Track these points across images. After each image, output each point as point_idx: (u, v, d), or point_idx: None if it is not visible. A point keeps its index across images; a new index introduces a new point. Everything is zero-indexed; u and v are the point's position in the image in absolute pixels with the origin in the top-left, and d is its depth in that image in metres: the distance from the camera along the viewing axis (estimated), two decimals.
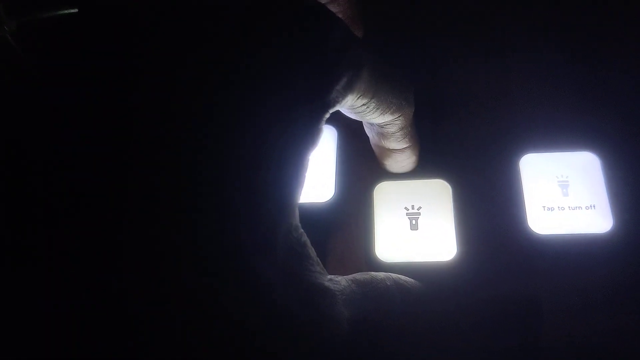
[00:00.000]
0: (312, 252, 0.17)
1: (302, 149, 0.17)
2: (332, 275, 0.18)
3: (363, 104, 0.20)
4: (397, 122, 0.22)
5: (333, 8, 0.24)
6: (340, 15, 0.23)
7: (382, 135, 0.24)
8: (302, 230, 0.17)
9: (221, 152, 0.15)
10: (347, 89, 0.18)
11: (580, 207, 0.25)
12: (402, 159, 0.25)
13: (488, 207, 0.25)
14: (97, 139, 0.15)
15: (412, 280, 0.21)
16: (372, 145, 0.26)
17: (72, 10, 0.31)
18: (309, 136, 0.17)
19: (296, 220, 0.17)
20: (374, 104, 0.20)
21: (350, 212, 0.26)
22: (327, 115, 0.18)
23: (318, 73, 0.17)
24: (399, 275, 0.21)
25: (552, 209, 0.25)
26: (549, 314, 0.23)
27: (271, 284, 0.15)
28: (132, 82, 0.15)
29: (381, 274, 0.20)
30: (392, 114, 0.21)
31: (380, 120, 0.22)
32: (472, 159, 0.26)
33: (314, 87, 0.17)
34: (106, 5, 0.17)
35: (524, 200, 0.25)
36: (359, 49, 0.19)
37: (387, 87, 0.20)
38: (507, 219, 0.25)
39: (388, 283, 0.19)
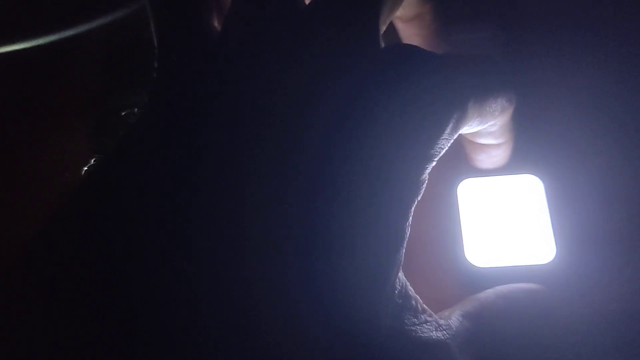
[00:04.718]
0: (415, 300, 0.16)
1: (408, 204, 0.16)
2: (442, 318, 0.17)
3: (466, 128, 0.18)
4: (499, 122, 0.20)
5: (417, 25, 0.22)
6: (424, 31, 0.22)
7: (478, 133, 0.21)
8: (405, 279, 0.16)
9: (336, 209, 0.15)
10: (454, 132, 0.17)
11: (521, 236, 0.23)
12: (497, 153, 0.23)
13: (420, 237, 0.23)
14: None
15: (522, 288, 0.19)
16: (463, 140, 0.23)
17: (27, 45, 0.30)
18: (413, 191, 0.16)
19: (401, 273, 0.16)
20: (477, 123, 0.18)
21: None
22: (432, 165, 0.17)
23: (419, 126, 0.16)
24: (509, 288, 0.19)
25: (491, 238, 0.23)
26: None
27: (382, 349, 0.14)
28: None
29: (490, 295, 0.18)
30: (494, 119, 0.19)
31: (479, 128, 0.20)
32: None
33: (417, 142, 0.16)
34: None
35: (461, 229, 0.23)
36: (462, 78, 0.17)
37: (491, 103, 0.18)
38: (442, 250, 0.23)
39: (500, 304, 0.18)
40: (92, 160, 0.16)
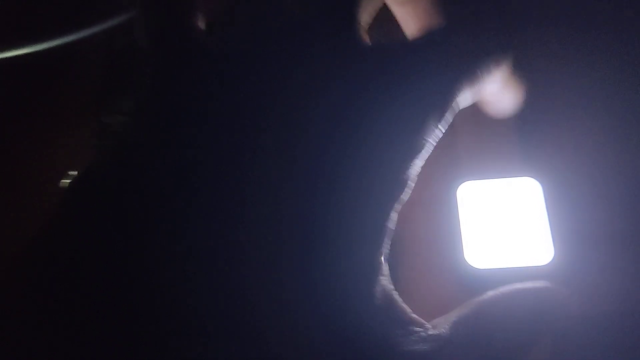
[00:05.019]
0: (402, 311, 0.15)
1: (387, 199, 0.15)
2: (435, 327, 0.16)
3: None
4: (499, 77, 0.19)
5: (411, 5, 0.21)
6: (421, 9, 0.21)
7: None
8: (391, 290, 0.15)
9: (318, 206, 0.15)
10: (444, 124, 0.16)
11: (520, 238, 0.23)
12: (509, 98, 0.21)
13: (420, 239, 0.23)
14: None
15: (520, 287, 0.18)
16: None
17: (30, 50, 0.30)
18: (396, 186, 0.15)
19: (386, 282, 0.15)
20: (473, 93, 0.18)
21: None
22: (418, 162, 0.16)
23: (403, 114, 0.16)
24: (508, 288, 0.17)
25: (490, 240, 0.23)
26: None
27: None
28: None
29: (487, 297, 0.17)
30: (491, 76, 0.18)
31: (481, 93, 0.19)
32: None
33: (402, 130, 0.16)
34: None
35: (461, 231, 0.23)
36: (456, 70, 0.17)
37: (481, 71, 0.17)
38: (442, 252, 0.23)
39: (498, 304, 0.17)
40: (70, 173, 0.16)
